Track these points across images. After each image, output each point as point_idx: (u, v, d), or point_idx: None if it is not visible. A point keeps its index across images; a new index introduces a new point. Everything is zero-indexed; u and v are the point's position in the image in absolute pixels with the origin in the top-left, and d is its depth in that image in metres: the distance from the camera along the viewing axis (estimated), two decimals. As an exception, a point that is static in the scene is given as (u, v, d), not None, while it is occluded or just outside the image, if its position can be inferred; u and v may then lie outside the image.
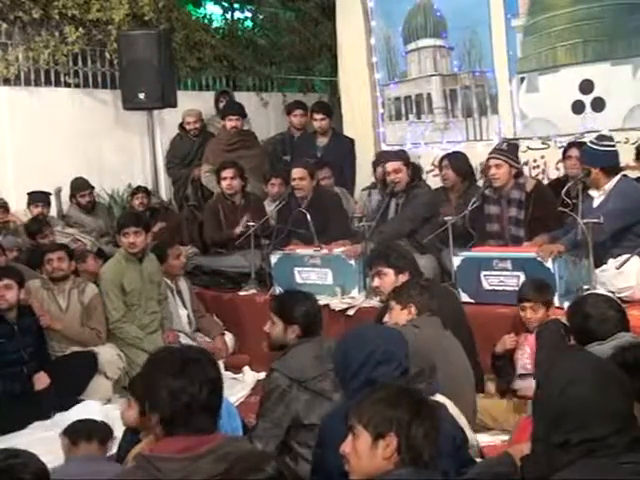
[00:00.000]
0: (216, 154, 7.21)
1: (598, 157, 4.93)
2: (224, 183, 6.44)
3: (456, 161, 6.14)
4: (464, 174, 6.10)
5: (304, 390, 3.34)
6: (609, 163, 4.93)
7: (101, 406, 3.49)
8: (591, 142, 5.06)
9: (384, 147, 7.73)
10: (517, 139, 6.63)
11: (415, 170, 5.86)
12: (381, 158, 6.38)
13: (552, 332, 4.04)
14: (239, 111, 7.45)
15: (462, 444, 2.79)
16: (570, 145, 6.01)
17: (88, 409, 3.55)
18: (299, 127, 7.66)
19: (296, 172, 6.11)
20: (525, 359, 4.22)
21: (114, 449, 3.42)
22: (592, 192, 4.99)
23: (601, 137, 5.11)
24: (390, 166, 5.72)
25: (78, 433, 3.28)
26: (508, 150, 5.36)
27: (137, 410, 3.20)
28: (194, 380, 2.23)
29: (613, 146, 5.01)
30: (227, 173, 6.44)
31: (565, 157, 5.97)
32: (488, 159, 5.38)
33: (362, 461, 2.16)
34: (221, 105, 8.22)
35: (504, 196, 5.31)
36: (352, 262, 5.44)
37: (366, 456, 2.16)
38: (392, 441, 2.14)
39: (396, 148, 7.12)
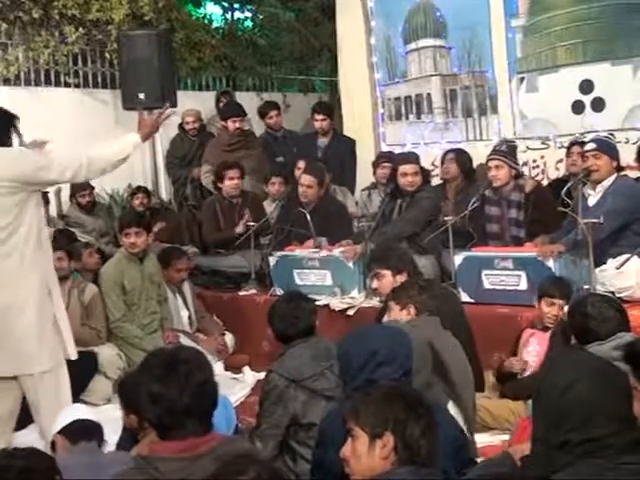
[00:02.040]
0: (216, 155, 7.20)
1: (616, 150, 4.95)
2: (231, 183, 6.41)
3: (461, 156, 6.21)
4: (466, 170, 6.17)
5: (301, 390, 3.36)
6: (619, 160, 4.95)
7: (90, 409, 3.46)
8: (606, 137, 5.07)
9: (384, 147, 7.74)
10: (517, 139, 6.63)
11: (425, 174, 5.84)
12: (394, 159, 6.39)
13: (563, 335, 4.04)
14: (241, 112, 7.45)
15: (462, 445, 2.79)
16: (573, 143, 6.02)
17: (79, 412, 3.50)
18: (276, 128, 7.66)
19: (305, 179, 5.99)
20: (531, 356, 4.19)
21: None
22: (587, 191, 4.98)
23: (612, 136, 5.17)
24: (411, 168, 5.60)
25: (78, 433, 3.20)
26: (508, 151, 5.38)
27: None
28: (173, 385, 2.21)
29: None
30: (234, 173, 6.42)
31: (568, 154, 5.96)
32: (488, 160, 5.39)
33: (361, 462, 2.17)
34: (222, 105, 8.22)
35: (504, 197, 5.32)
36: (350, 263, 5.43)
37: (365, 457, 2.17)
38: (389, 440, 2.14)
39: (402, 150, 7.14)
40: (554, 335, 4.11)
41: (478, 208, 5.34)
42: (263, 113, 7.78)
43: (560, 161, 6.26)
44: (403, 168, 5.63)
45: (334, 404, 2.89)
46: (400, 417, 2.16)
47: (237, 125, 7.30)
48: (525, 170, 6.56)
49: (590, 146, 4.95)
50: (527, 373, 4.19)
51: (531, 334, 4.27)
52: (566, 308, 4.30)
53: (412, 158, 5.85)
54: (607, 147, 4.92)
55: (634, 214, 4.79)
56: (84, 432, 3.18)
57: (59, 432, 3.22)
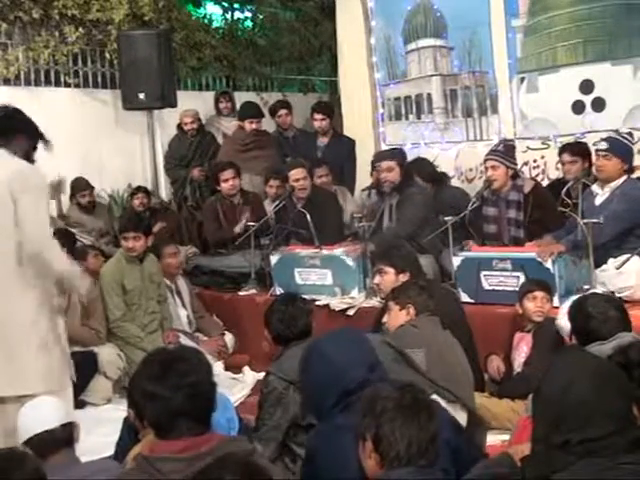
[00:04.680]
0: (231, 154, 7.19)
1: (629, 152, 4.92)
2: (226, 185, 6.43)
3: (422, 168, 6.27)
4: (432, 180, 6.25)
5: (300, 391, 3.35)
6: (631, 162, 4.93)
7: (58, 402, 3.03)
8: (622, 136, 5.04)
9: (384, 147, 7.73)
10: (517, 139, 6.63)
11: (408, 170, 5.85)
12: (377, 158, 6.42)
13: (549, 332, 4.07)
14: (258, 113, 7.46)
15: (462, 443, 2.78)
16: (563, 149, 5.92)
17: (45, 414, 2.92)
18: (285, 127, 7.67)
19: (298, 172, 6.10)
20: (522, 359, 4.24)
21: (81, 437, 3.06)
22: (595, 189, 4.97)
23: (631, 134, 5.15)
24: (383, 165, 5.72)
25: (47, 446, 2.83)
26: (504, 151, 5.38)
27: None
28: (166, 385, 2.21)
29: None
30: (228, 174, 6.44)
31: (561, 160, 5.92)
32: (485, 160, 5.40)
33: (365, 466, 2.27)
34: (221, 106, 8.21)
35: (502, 198, 5.32)
36: (352, 262, 5.44)
37: (364, 461, 2.27)
38: (368, 443, 2.22)
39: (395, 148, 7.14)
40: (534, 336, 4.19)
41: (476, 208, 5.35)
42: (273, 111, 7.79)
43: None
44: (380, 165, 5.76)
45: (323, 424, 2.74)
46: (376, 419, 2.22)
47: (255, 126, 7.32)
48: (525, 170, 6.56)
49: (602, 146, 4.92)
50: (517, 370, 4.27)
51: (521, 338, 4.33)
52: (555, 302, 4.41)
53: (386, 154, 5.98)
54: (619, 149, 4.87)
55: (638, 218, 4.78)
56: (54, 444, 2.84)
57: (25, 443, 2.85)
